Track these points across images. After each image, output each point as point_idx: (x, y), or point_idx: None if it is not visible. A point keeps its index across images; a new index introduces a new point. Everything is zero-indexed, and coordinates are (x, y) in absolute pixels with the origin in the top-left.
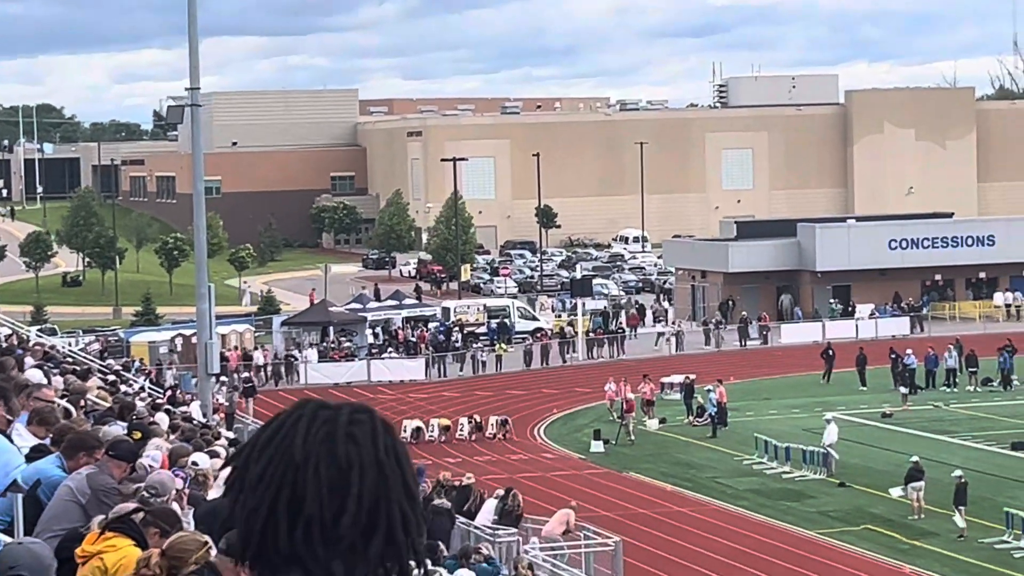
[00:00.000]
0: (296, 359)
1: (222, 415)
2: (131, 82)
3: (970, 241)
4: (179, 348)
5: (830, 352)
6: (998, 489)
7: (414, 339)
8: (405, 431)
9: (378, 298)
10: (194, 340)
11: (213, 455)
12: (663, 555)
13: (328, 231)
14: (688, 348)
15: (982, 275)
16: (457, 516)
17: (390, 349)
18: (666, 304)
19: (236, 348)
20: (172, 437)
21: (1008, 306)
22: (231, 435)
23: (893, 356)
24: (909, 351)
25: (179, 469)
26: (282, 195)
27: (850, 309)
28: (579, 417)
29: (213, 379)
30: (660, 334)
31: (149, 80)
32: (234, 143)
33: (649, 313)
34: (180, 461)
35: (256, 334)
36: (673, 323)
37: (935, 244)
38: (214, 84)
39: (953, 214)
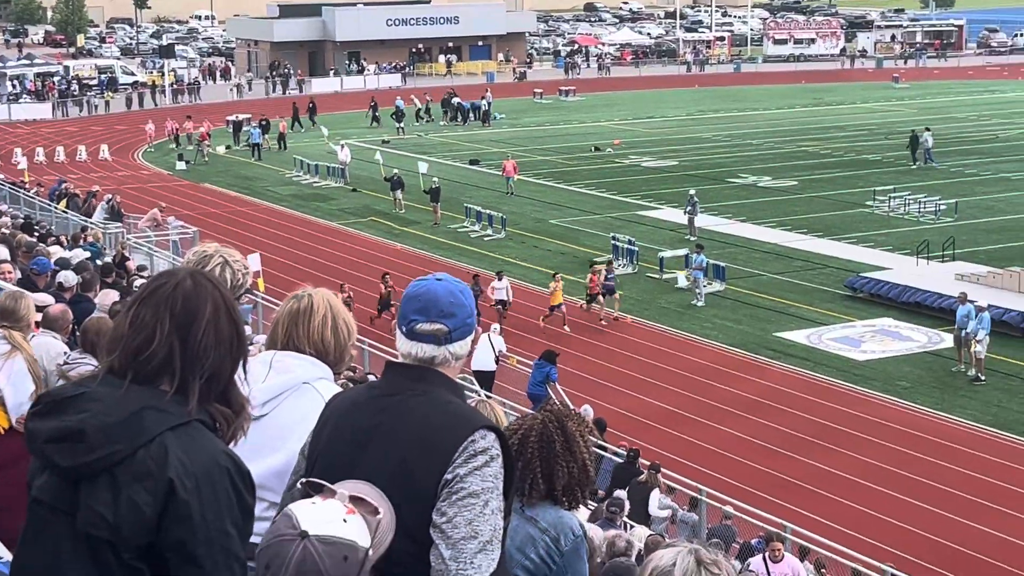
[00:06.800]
0: None
1: None
2: None
3: (442, 20)
4: None
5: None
6: (461, 192)
7: (43, 88)
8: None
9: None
10: None
11: None
12: (229, 241)
13: None
14: (248, 95)
15: (451, 44)
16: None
17: (25, 96)
18: (232, 64)
19: None
20: None
21: (448, 63)
22: None
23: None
24: (399, 98)
25: None
26: None
27: (361, 69)
28: (167, 146)
29: None
30: (236, 87)
31: None
32: None
33: (218, 72)
34: None
35: None
36: (236, 76)
37: (418, 23)
38: None
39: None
